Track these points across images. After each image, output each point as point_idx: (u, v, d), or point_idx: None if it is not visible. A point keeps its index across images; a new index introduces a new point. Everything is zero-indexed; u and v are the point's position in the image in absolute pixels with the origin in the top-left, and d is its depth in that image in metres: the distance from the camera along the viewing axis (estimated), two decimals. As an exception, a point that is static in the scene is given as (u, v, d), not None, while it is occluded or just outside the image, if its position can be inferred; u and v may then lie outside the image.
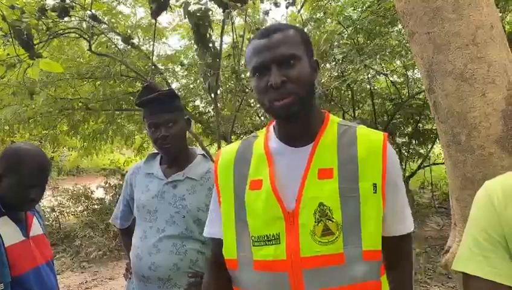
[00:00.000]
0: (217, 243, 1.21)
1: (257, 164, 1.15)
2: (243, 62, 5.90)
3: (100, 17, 5.72)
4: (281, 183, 1.09)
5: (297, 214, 1.06)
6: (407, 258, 1.22)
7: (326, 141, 1.11)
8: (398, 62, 6.89)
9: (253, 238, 1.10)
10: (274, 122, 1.21)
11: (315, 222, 1.04)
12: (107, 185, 8.40)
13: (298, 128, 1.13)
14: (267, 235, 1.08)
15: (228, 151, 1.24)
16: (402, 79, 7.59)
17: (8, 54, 4.34)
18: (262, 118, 7.47)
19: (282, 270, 1.06)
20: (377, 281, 1.09)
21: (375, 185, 1.06)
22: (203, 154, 1.92)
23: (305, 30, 6.67)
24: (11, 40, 3.95)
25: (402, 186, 1.15)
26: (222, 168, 1.21)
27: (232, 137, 6.36)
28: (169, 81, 7.24)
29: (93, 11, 5.33)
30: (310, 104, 1.12)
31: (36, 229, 1.73)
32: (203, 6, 4.95)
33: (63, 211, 8.39)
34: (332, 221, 1.04)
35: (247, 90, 6.20)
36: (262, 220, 1.09)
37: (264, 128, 1.24)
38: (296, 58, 1.07)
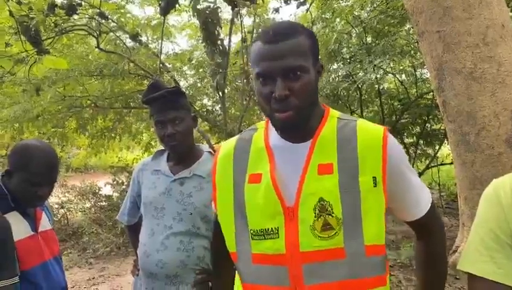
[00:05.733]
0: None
1: (256, 157, 1.15)
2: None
3: (108, 16, 5.75)
4: (281, 179, 1.09)
5: (297, 209, 1.06)
6: (434, 231, 1.23)
7: (326, 136, 1.10)
8: (406, 61, 6.86)
9: (252, 231, 1.11)
10: None
11: (315, 217, 1.04)
12: (114, 182, 8.45)
13: (297, 130, 1.12)
14: (266, 229, 1.08)
15: (227, 145, 1.24)
16: (411, 79, 7.54)
17: (16, 49, 4.38)
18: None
19: (281, 264, 1.06)
20: (382, 277, 1.08)
21: (375, 179, 1.04)
22: (209, 152, 1.92)
23: (314, 29, 6.66)
24: (19, 36, 3.98)
25: (410, 173, 1.14)
26: (221, 161, 1.21)
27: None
28: (177, 79, 7.26)
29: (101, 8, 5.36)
30: (312, 109, 1.11)
31: (45, 224, 1.73)
32: (212, 4, 4.97)
33: (71, 207, 8.45)
34: (332, 216, 1.03)
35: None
36: (261, 214, 1.09)
37: (264, 122, 1.23)
38: (303, 70, 1.04)
